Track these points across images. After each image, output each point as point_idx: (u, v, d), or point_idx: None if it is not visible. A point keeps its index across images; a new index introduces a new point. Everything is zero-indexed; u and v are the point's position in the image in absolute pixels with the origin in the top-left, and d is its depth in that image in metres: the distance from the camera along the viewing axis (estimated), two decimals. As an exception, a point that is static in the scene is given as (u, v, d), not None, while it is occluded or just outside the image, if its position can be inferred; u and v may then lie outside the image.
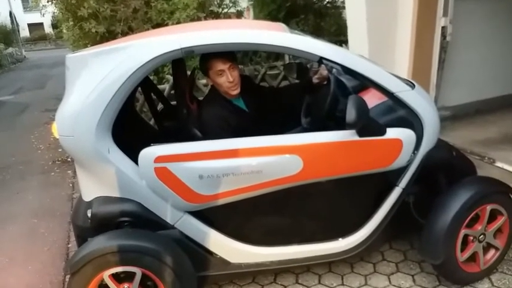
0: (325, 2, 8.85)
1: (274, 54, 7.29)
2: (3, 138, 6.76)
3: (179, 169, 2.00)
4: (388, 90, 2.13)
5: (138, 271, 2.01)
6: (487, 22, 4.77)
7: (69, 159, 5.08)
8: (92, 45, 5.32)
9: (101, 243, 2.00)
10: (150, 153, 1.98)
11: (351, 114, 1.89)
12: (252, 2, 9.50)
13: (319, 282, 2.50)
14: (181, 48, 1.97)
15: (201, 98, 2.65)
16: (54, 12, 8.03)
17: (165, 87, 5.20)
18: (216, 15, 6.68)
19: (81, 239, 2.18)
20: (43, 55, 26.52)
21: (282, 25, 2.47)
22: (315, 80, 2.51)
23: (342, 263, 2.58)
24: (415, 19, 4.35)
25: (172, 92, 4.63)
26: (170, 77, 5.43)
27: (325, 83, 2.46)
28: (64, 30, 7.90)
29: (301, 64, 2.62)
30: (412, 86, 2.28)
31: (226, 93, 2.36)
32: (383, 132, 2.10)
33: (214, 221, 2.19)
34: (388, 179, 2.24)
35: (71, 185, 4.46)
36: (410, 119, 2.18)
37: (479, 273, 2.36)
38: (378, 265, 2.61)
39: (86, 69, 2.01)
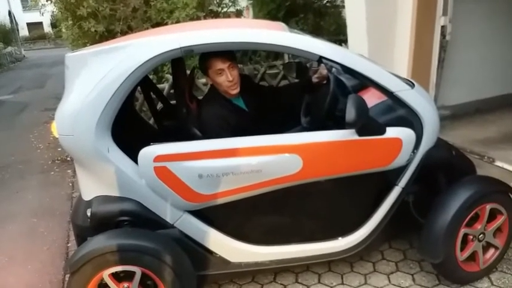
0: (325, 1, 8.85)
1: (273, 53, 7.29)
2: (3, 138, 6.75)
3: (179, 168, 2.00)
4: (387, 89, 2.13)
5: (137, 270, 2.01)
6: (487, 21, 4.77)
7: (68, 159, 5.08)
8: (91, 44, 5.31)
9: (100, 242, 2.00)
10: (149, 152, 1.98)
11: (350, 113, 1.89)
12: (251, 1, 9.50)
13: (319, 282, 2.50)
14: (180, 48, 1.97)
15: (200, 97, 2.64)
16: (53, 12, 8.02)
17: (165, 86, 5.20)
18: (216, 15, 6.68)
19: (81, 238, 2.18)
20: (42, 54, 26.51)
21: (282, 24, 2.47)
22: (314, 79, 2.50)
23: (342, 262, 2.58)
24: (415, 18, 4.35)
25: (172, 91, 4.63)
26: (170, 76, 5.43)
27: (324, 82, 2.45)
28: (63, 30, 7.90)
29: (301, 63, 2.62)
30: (412, 85, 2.28)
31: (225, 92, 2.36)
32: (382, 132, 2.10)
33: (214, 220, 2.19)
34: (388, 178, 2.24)
35: (70, 184, 4.46)
36: (409, 118, 2.18)
37: (478, 272, 2.36)
38: (378, 264, 2.61)
39: (86, 69, 2.01)
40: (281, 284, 2.51)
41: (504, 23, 4.92)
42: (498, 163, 3.77)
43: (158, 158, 1.98)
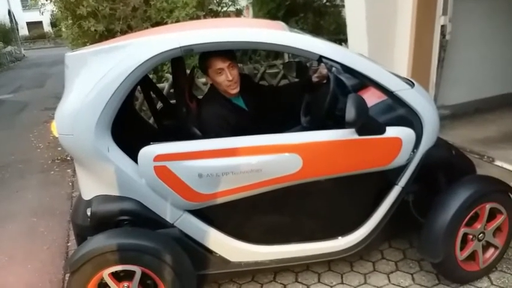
0: (325, 1, 8.83)
1: (273, 53, 7.28)
2: (3, 137, 6.75)
3: (179, 168, 2.00)
4: (387, 88, 2.13)
5: (137, 270, 2.01)
6: (487, 21, 4.77)
7: (68, 158, 5.08)
8: (91, 43, 5.31)
9: (100, 241, 2.00)
10: (149, 151, 1.98)
11: (350, 112, 1.89)
12: (251, 1, 9.48)
13: (319, 281, 2.51)
14: (180, 47, 1.97)
15: (200, 97, 2.64)
16: (53, 11, 8.01)
17: (165, 85, 5.19)
18: (216, 14, 6.67)
19: (81, 238, 2.19)
20: (42, 54, 26.50)
21: (282, 24, 2.47)
22: (314, 78, 2.50)
23: (342, 262, 2.58)
24: (415, 18, 4.35)
25: (172, 90, 4.63)
26: (169, 76, 5.43)
27: (324, 81, 2.45)
28: (63, 29, 7.90)
29: (301, 63, 2.62)
30: (412, 85, 2.28)
31: (225, 91, 2.36)
32: (382, 131, 2.10)
33: (213, 219, 2.19)
34: (388, 178, 2.25)
35: (70, 183, 4.46)
36: (409, 118, 2.18)
37: (478, 271, 2.36)
38: (378, 264, 2.61)
39: (85, 68, 2.01)
40: (281, 284, 2.51)
41: (504, 22, 4.92)
42: (498, 162, 3.77)
43: (158, 158, 1.98)
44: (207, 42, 2.02)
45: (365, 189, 2.29)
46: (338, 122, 2.05)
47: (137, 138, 2.04)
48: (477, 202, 2.20)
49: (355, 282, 2.47)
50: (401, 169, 2.21)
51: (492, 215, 2.29)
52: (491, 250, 2.38)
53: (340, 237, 2.28)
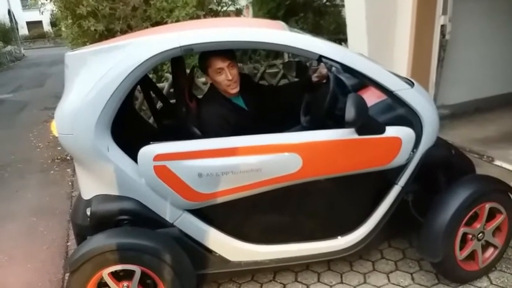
0: (325, 1, 8.83)
1: (273, 52, 7.28)
2: (3, 137, 6.75)
3: (178, 167, 2.00)
4: (387, 88, 2.13)
5: (137, 269, 2.01)
6: (487, 20, 4.78)
7: (68, 158, 5.08)
8: (90, 43, 5.30)
9: (100, 241, 2.00)
10: (149, 151, 1.98)
11: (350, 112, 1.89)
12: (251, 0, 9.48)
13: (319, 281, 2.51)
14: (180, 47, 1.97)
15: (200, 97, 2.64)
16: (53, 10, 8.00)
17: (164, 85, 5.19)
18: (215, 14, 6.67)
19: (81, 237, 2.19)
20: (42, 53, 26.49)
21: (281, 23, 2.47)
22: (314, 78, 2.50)
23: (341, 261, 2.59)
24: (415, 17, 4.35)
25: (172, 90, 4.63)
26: (169, 76, 5.43)
27: (324, 81, 2.46)
28: (63, 28, 7.88)
29: (301, 62, 2.62)
30: (412, 85, 2.28)
31: (225, 91, 2.36)
32: (382, 131, 2.10)
33: (213, 219, 2.19)
34: (387, 177, 2.25)
35: (70, 183, 4.46)
36: (409, 118, 2.18)
37: (478, 271, 2.36)
38: (377, 263, 2.61)
39: (85, 68, 2.01)
40: (280, 283, 2.51)
41: (504, 22, 4.92)
42: (497, 162, 3.78)
43: (158, 157, 1.98)
44: (207, 42, 2.02)
45: (365, 188, 2.30)
46: (338, 122, 2.05)
47: (137, 138, 2.04)
48: (477, 202, 2.20)
49: (355, 281, 2.47)
50: (401, 169, 2.22)
51: (491, 214, 2.29)
52: (490, 250, 2.38)
53: (339, 237, 2.29)
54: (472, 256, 2.32)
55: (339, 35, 7.28)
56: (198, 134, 2.22)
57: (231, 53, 2.31)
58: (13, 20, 30.45)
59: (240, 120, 2.34)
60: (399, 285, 2.41)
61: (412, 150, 2.18)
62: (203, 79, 5.10)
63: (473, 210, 2.21)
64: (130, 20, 5.99)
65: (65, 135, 2.03)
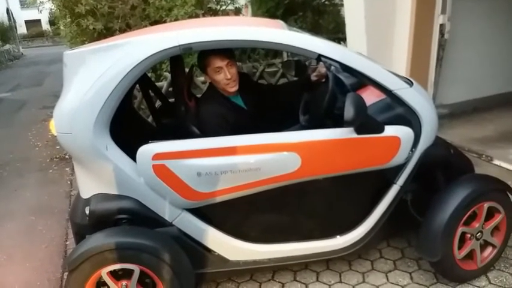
0: (323, 0, 8.84)
1: (272, 51, 7.28)
2: (1, 136, 6.73)
3: (177, 166, 2.00)
4: (386, 87, 2.13)
5: (136, 268, 2.01)
6: (486, 20, 4.78)
7: (67, 157, 5.07)
8: (89, 42, 5.30)
9: (99, 240, 2.00)
10: (148, 150, 1.98)
11: (349, 111, 1.89)
12: (250, -1, 9.49)
13: (317, 280, 2.51)
14: (179, 45, 1.97)
15: (199, 95, 2.64)
16: (51, 9, 7.98)
17: (163, 84, 5.19)
18: (214, 12, 6.66)
19: (79, 237, 2.18)
20: (40, 52, 26.43)
21: (280, 22, 2.47)
22: (313, 77, 2.50)
23: (340, 261, 2.59)
24: (413, 17, 4.35)
25: (170, 89, 4.62)
26: (168, 74, 5.42)
27: (323, 80, 2.45)
28: (61, 27, 7.85)
29: (300, 61, 2.62)
30: (410, 84, 2.28)
31: (224, 90, 2.35)
32: (381, 130, 2.10)
33: (212, 218, 2.19)
34: (386, 177, 2.25)
35: (69, 182, 4.45)
36: (408, 117, 2.18)
37: (476, 270, 2.37)
38: (376, 262, 2.61)
39: (84, 66, 2.01)
40: (279, 282, 2.51)
41: (503, 21, 4.93)
42: (496, 162, 3.78)
43: (157, 156, 1.98)
44: (206, 41, 2.02)
45: (363, 188, 2.30)
46: (337, 121, 2.05)
47: (136, 137, 2.04)
48: (475, 201, 2.20)
49: (354, 281, 2.48)
50: (399, 168, 2.22)
51: (490, 214, 2.29)
52: (489, 249, 2.38)
53: (338, 236, 2.29)
54: (470, 255, 2.32)
55: (338, 34, 7.29)
56: (197, 133, 2.22)
57: (230, 52, 2.31)
58: (11, 18, 30.39)
59: (239, 119, 2.34)
60: (398, 285, 2.42)
61: (411, 150, 2.18)
62: (202, 78, 5.10)
63: (471, 210, 2.21)
64: (129, 19, 5.98)
65: (63, 134, 2.02)
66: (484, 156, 3.89)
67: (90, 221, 2.11)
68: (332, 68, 2.08)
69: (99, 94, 1.94)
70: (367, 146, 2.12)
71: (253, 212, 2.24)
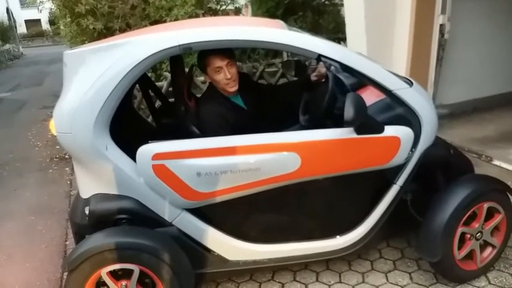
0: (323, 0, 8.84)
1: (272, 51, 7.28)
2: (1, 135, 6.73)
3: (177, 166, 1.99)
4: (386, 87, 2.13)
5: (136, 268, 2.01)
6: (486, 20, 4.78)
7: (66, 157, 5.07)
8: (89, 41, 5.29)
9: (98, 240, 2.00)
10: (148, 150, 1.98)
11: (349, 111, 1.88)
12: (250, -1, 9.49)
13: (317, 280, 2.51)
14: (179, 45, 1.96)
15: (199, 95, 2.64)
16: (51, 9, 7.98)
17: (163, 84, 5.19)
18: (214, 12, 6.66)
19: (79, 236, 2.18)
20: (40, 52, 26.41)
21: (280, 22, 2.47)
22: (313, 77, 2.50)
23: (340, 261, 2.59)
24: (413, 17, 4.35)
25: (170, 89, 4.62)
26: (168, 74, 5.42)
27: (323, 80, 2.45)
28: (61, 27, 7.85)
29: (300, 61, 2.62)
30: (410, 84, 2.28)
31: (224, 90, 2.35)
32: (381, 130, 2.10)
33: (212, 218, 2.19)
34: (386, 177, 2.25)
35: (68, 182, 4.45)
36: (408, 117, 2.18)
37: (476, 271, 2.37)
38: (375, 263, 2.61)
39: (84, 66, 2.01)
40: (279, 283, 2.51)
41: (503, 21, 4.93)
42: (496, 162, 3.78)
43: (156, 156, 1.98)
44: (206, 41, 2.02)
45: (363, 188, 2.30)
46: (337, 121, 2.05)
47: (136, 137, 2.04)
48: (475, 201, 2.20)
49: (353, 281, 2.48)
50: (399, 168, 2.22)
51: (490, 214, 2.29)
52: (489, 249, 2.38)
53: (338, 236, 2.29)
54: (470, 256, 2.32)
55: (338, 34, 7.29)
56: (197, 133, 2.22)
57: (229, 51, 2.31)
58: (11, 18, 30.37)
59: (239, 119, 2.34)
60: (397, 285, 2.42)
61: (411, 150, 2.18)
62: (202, 78, 5.10)
63: (471, 210, 2.21)
64: (129, 19, 5.98)
65: (63, 134, 2.02)
66: (483, 156, 3.89)
67: (89, 221, 2.11)
68: (332, 68, 2.08)
69: (99, 94, 1.94)
70: (367, 146, 2.12)
71: (253, 212, 2.24)
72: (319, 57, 2.06)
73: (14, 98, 10.39)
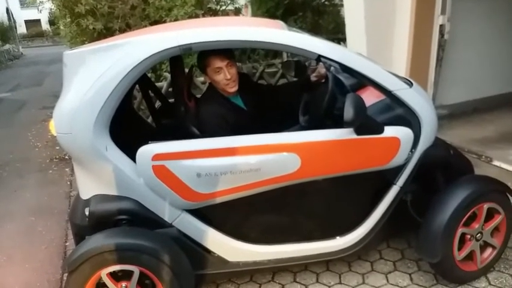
0: (323, 0, 8.84)
1: (272, 52, 7.28)
2: (1, 136, 6.72)
3: (177, 167, 1.99)
4: (386, 88, 2.13)
5: (136, 269, 2.00)
6: (486, 20, 4.78)
7: (66, 157, 5.06)
8: (89, 42, 5.29)
9: (98, 241, 2.00)
10: (147, 151, 1.98)
11: (348, 112, 1.88)
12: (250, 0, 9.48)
13: (317, 281, 2.51)
14: (179, 46, 1.96)
15: (199, 96, 2.64)
16: (51, 9, 7.98)
17: (163, 84, 5.19)
18: (214, 13, 6.66)
19: (79, 237, 2.18)
20: (40, 52, 26.42)
21: (280, 23, 2.47)
22: (313, 78, 2.50)
23: (340, 262, 2.58)
24: (413, 17, 4.35)
25: (170, 89, 4.62)
26: (168, 75, 5.42)
27: (323, 81, 2.45)
28: (61, 27, 7.85)
29: (299, 62, 2.62)
30: (410, 84, 2.28)
31: (223, 90, 2.35)
32: (381, 131, 2.10)
33: (212, 219, 2.18)
34: (386, 178, 2.25)
35: (68, 183, 4.45)
36: (408, 118, 2.18)
37: (476, 271, 2.36)
38: (376, 264, 2.61)
39: (84, 67, 2.00)
40: (279, 284, 2.51)
41: (503, 22, 4.92)
42: (496, 162, 3.78)
43: (156, 157, 1.97)
44: (206, 41, 2.01)
45: (363, 188, 2.29)
46: (336, 122, 2.05)
47: (135, 137, 2.03)
48: (475, 202, 2.20)
49: (353, 282, 2.47)
50: (399, 169, 2.22)
51: (490, 215, 2.29)
52: (489, 250, 2.38)
53: (338, 237, 2.29)
54: (470, 256, 2.32)
55: (337, 35, 7.29)
56: (197, 133, 2.22)
57: (229, 52, 2.31)
58: (11, 18, 30.39)
59: (239, 119, 2.34)
60: (398, 286, 2.42)
61: (411, 150, 2.18)
62: (202, 78, 5.10)
63: (471, 211, 2.21)
64: (129, 19, 5.98)
65: (63, 135, 2.02)
66: (483, 157, 3.89)
67: (89, 222, 2.11)
68: (332, 68, 2.08)
69: (99, 94, 1.94)
70: (366, 147, 2.12)
71: (253, 213, 2.24)
72: (319, 58, 2.06)
73: (14, 98, 10.39)
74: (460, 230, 2.21)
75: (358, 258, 2.64)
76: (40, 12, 8.76)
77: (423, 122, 2.18)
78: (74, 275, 1.98)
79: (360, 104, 1.92)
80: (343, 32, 5.30)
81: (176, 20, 5.57)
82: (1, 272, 2.98)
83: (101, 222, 2.09)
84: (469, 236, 2.26)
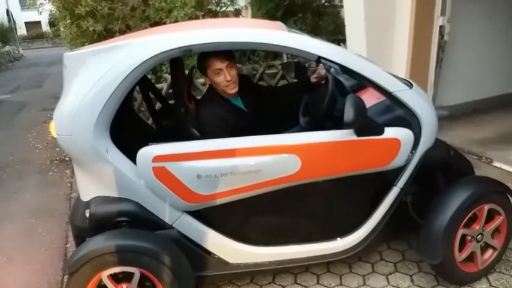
0: (323, 1, 8.84)
1: (272, 53, 7.26)
2: (1, 137, 6.72)
3: (177, 169, 1.99)
4: (386, 89, 2.13)
5: (136, 271, 2.00)
6: (485, 22, 4.78)
7: (67, 159, 5.06)
8: (89, 43, 5.29)
9: (99, 243, 1.99)
10: (148, 152, 1.98)
11: (348, 113, 1.89)
12: (250, 1, 9.48)
13: (318, 283, 2.50)
14: (179, 47, 1.96)
15: (199, 97, 2.64)
16: (51, 11, 7.98)
17: (163, 86, 5.19)
18: (214, 14, 6.66)
19: (79, 239, 2.18)
20: (40, 53, 26.43)
21: (280, 24, 2.47)
22: (313, 79, 2.50)
23: (340, 263, 2.58)
24: (413, 18, 4.35)
25: (171, 91, 4.62)
26: (168, 76, 5.42)
27: (323, 82, 2.45)
28: (61, 29, 7.84)
29: (300, 63, 2.62)
30: (410, 86, 2.28)
31: (224, 92, 2.35)
32: (381, 132, 2.10)
33: (212, 220, 2.18)
34: (386, 179, 2.25)
35: (69, 184, 4.45)
36: (408, 119, 2.18)
37: (477, 273, 2.36)
38: (376, 265, 2.61)
39: (84, 68, 2.00)
40: (280, 285, 2.51)
41: (503, 23, 4.93)
42: (496, 163, 3.78)
43: (157, 159, 1.97)
44: (206, 43, 2.02)
45: (363, 190, 2.29)
46: (336, 123, 2.05)
47: (136, 139, 2.04)
48: (475, 203, 2.20)
49: (354, 283, 2.47)
50: (399, 170, 2.21)
51: (490, 216, 2.29)
52: (489, 251, 2.38)
53: (338, 239, 2.28)
54: (471, 258, 2.32)
55: (337, 36, 7.28)
56: (197, 135, 2.22)
57: (229, 53, 2.31)
58: (11, 20, 30.41)
59: (239, 121, 2.34)
60: (398, 287, 2.41)
61: (411, 152, 2.18)
62: (202, 80, 5.10)
63: (472, 212, 2.21)
64: (129, 20, 5.98)
65: (63, 136, 2.02)
66: (484, 158, 3.89)
67: (90, 223, 2.11)
68: (332, 69, 2.08)
69: (99, 96, 1.94)
70: (367, 148, 2.12)
71: (253, 215, 2.24)
72: (319, 59, 2.06)
73: (14, 100, 10.39)
74: (460, 231, 2.20)
75: (359, 259, 2.64)
76: (40, 13, 8.77)
77: (423, 123, 2.18)
78: (75, 277, 1.98)
79: (360, 105, 1.92)
80: (343, 33, 5.31)
81: (176, 21, 5.58)
82: (1, 273, 2.98)
83: (101, 224, 2.09)
84: (469, 237, 2.26)
